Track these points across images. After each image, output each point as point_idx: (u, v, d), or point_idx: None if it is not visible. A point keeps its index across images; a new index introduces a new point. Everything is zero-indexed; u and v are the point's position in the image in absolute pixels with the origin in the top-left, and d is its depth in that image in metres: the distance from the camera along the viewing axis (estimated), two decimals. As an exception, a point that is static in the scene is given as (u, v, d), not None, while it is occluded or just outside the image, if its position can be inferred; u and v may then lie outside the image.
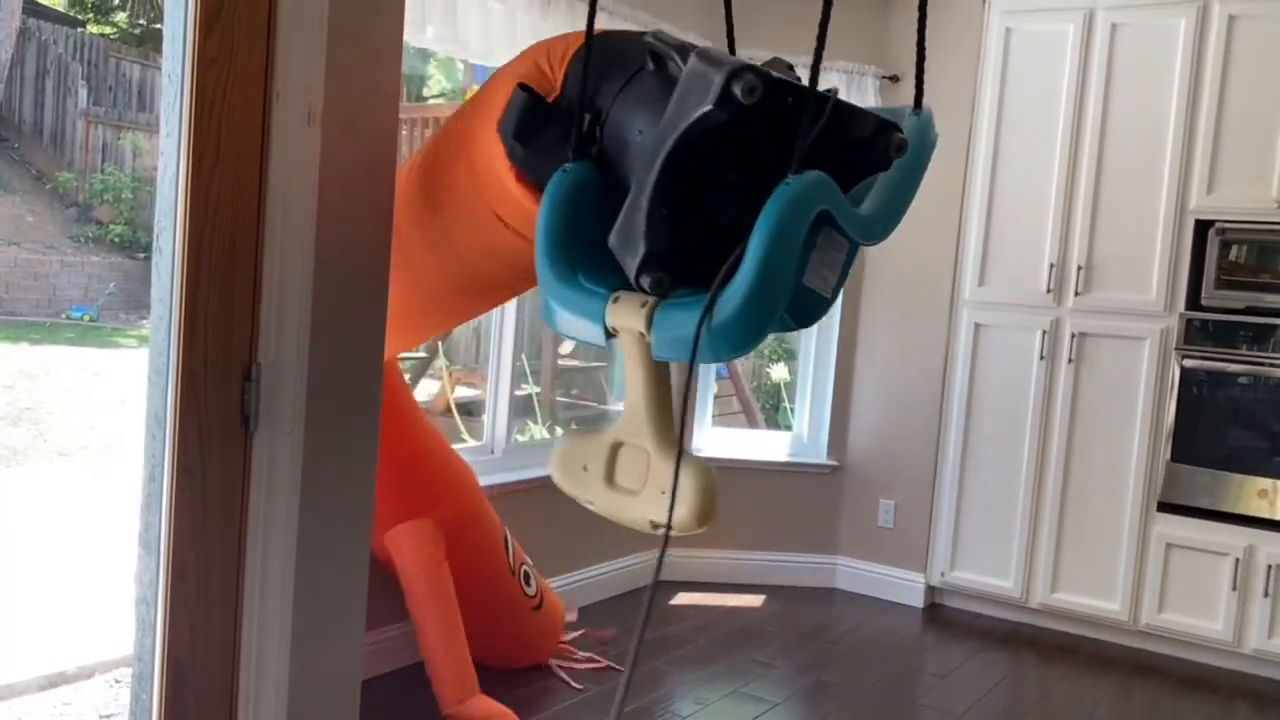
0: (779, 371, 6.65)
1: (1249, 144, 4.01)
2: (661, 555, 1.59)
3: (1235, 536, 4.02)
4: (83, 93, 10.53)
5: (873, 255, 4.78)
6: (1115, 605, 4.26)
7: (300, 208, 1.81)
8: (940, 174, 4.56)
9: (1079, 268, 4.30)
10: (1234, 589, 4.01)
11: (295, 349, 1.83)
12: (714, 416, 4.87)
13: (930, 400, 4.65)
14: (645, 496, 1.65)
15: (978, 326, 4.53)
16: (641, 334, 1.58)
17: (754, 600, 4.57)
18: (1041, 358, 4.38)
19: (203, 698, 1.82)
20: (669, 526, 1.59)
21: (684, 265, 1.58)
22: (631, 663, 1.69)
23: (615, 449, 1.69)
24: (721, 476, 4.84)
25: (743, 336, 1.52)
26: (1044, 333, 4.37)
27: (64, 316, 8.90)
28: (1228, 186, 4.05)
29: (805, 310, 1.60)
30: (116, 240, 9.87)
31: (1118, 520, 4.24)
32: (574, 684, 3.44)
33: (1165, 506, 4.16)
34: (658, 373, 1.63)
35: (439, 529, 3.16)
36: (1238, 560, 4.00)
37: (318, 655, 1.94)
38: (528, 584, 3.45)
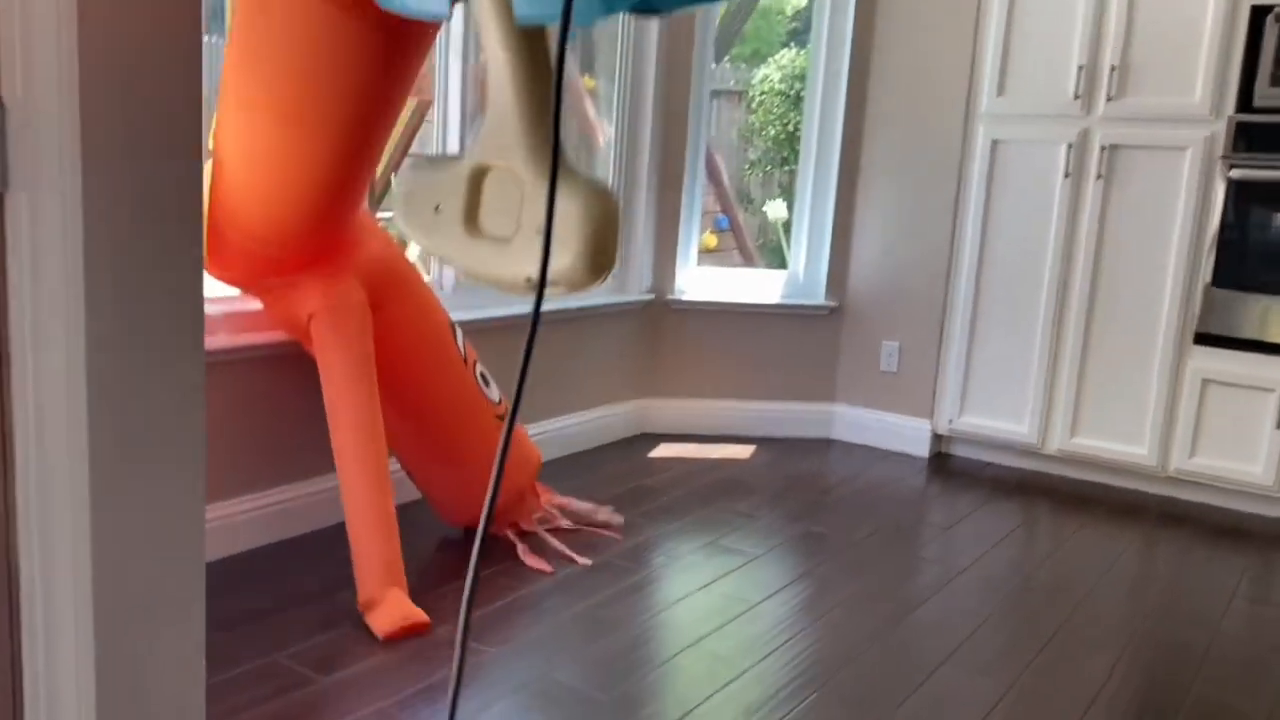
0: (776, 209, 6.12)
1: (1318, -89, 3.41)
2: (532, 334, 1.12)
3: (1281, 370, 3.57)
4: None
5: (877, 70, 4.22)
6: (1142, 450, 3.83)
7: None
8: (953, -39, 3.99)
9: (1112, 69, 3.74)
10: (1278, 428, 3.57)
11: (57, 75, 1.35)
12: (698, 257, 4.40)
13: (940, 230, 4.15)
14: (519, 243, 1.19)
15: (995, 143, 3.99)
16: None
17: (741, 451, 4.17)
18: (1066, 175, 3.86)
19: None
20: (543, 280, 1.13)
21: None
22: (462, 632, 1.25)
23: (478, 178, 1.22)
24: (710, 320, 4.35)
25: None
26: (1070, 146, 3.84)
27: None
28: (1290, -36, 3.46)
29: None
30: None
31: (1147, 355, 3.79)
32: (571, 554, 3.06)
33: (1203, 338, 3.69)
34: (529, 51, 1.15)
35: (357, 278, 2.64)
36: (1283, 396, 3.56)
37: (133, 514, 1.53)
38: (487, 386, 2.99)
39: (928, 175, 4.15)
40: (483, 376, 2.96)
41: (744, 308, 4.31)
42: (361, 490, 2.52)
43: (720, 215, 7.66)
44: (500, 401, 3.00)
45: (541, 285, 1.13)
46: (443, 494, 2.94)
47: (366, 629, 2.43)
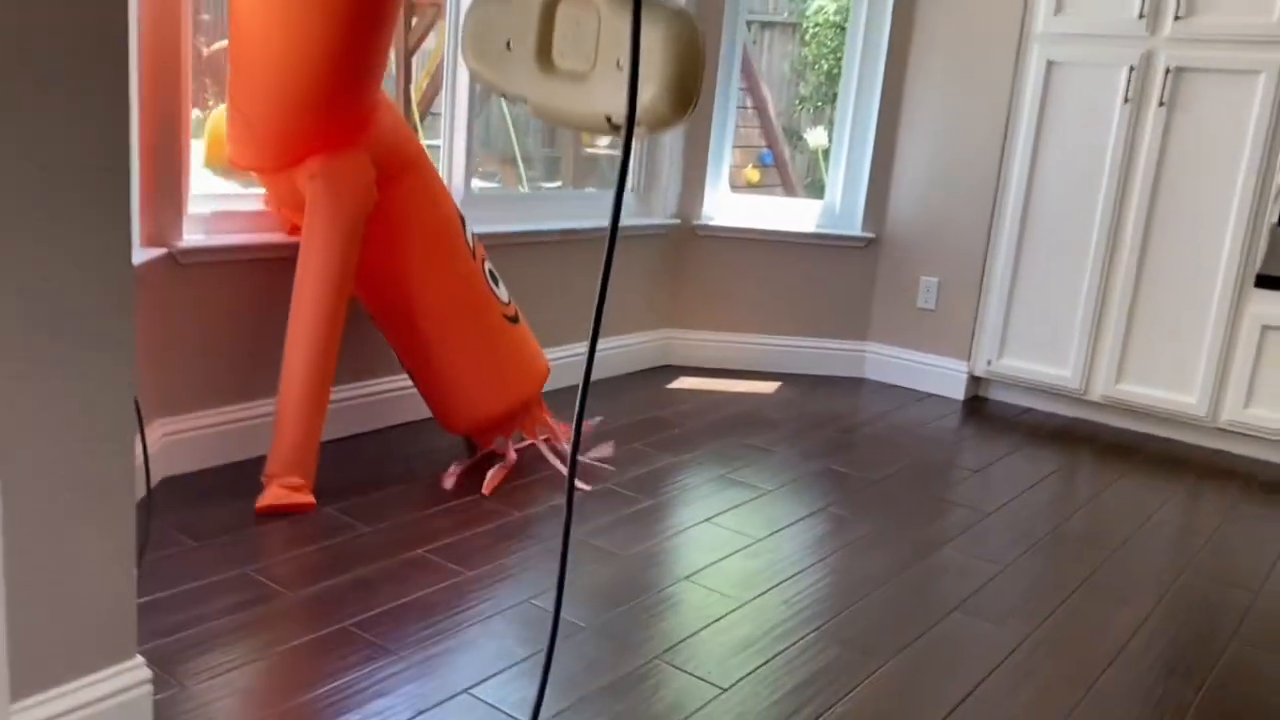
0: (817, 137, 5.84)
1: None
2: (621, 176, 1.00)
3: (1350, 317, 3.30)
4: None
5: (927, -17, 3.95)
6: (1192, 398, 3.59)
7: None
8: None
9: (1182, -15, 3.45)
10: (1342, 379, 3.32)
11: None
12: (732, 188, 4.19)
13: (987, 159, 3.90)
14: (597, 78, 1.08)
15: (1050, 65, 3.72)
16: None
17: (765, 387, 3.99)
18: (1126, 100, 3.58)
19: None
20: (631, 120, 1.01)
21: None
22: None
23: (550, 10, 1.12)
24: (738, 249, 4.16)
25: None
26: (1131, 69, 3.56)
27: None
28: None
29: None
30: None
31: (1204, 299, 3.53)
32: (576, 474, 2.93)
33: (1265, 281, 3.42)
34: None
35: (367, 155, 2.51)
36: (1350, 345, 3.30)
37: (49, 404, 1.40)
38: (496, 285, 2.82)
39: (977, 99, 3.90)
40: (491, 274, 2.81)
41: (775, 236, 4.11)
42: (300, 365, 2.46)
43: (765, 150, 7.41)
44: (509, 302, 2.85)
45: (630, 122, 1.00)
46: (444, 395, 2.78)
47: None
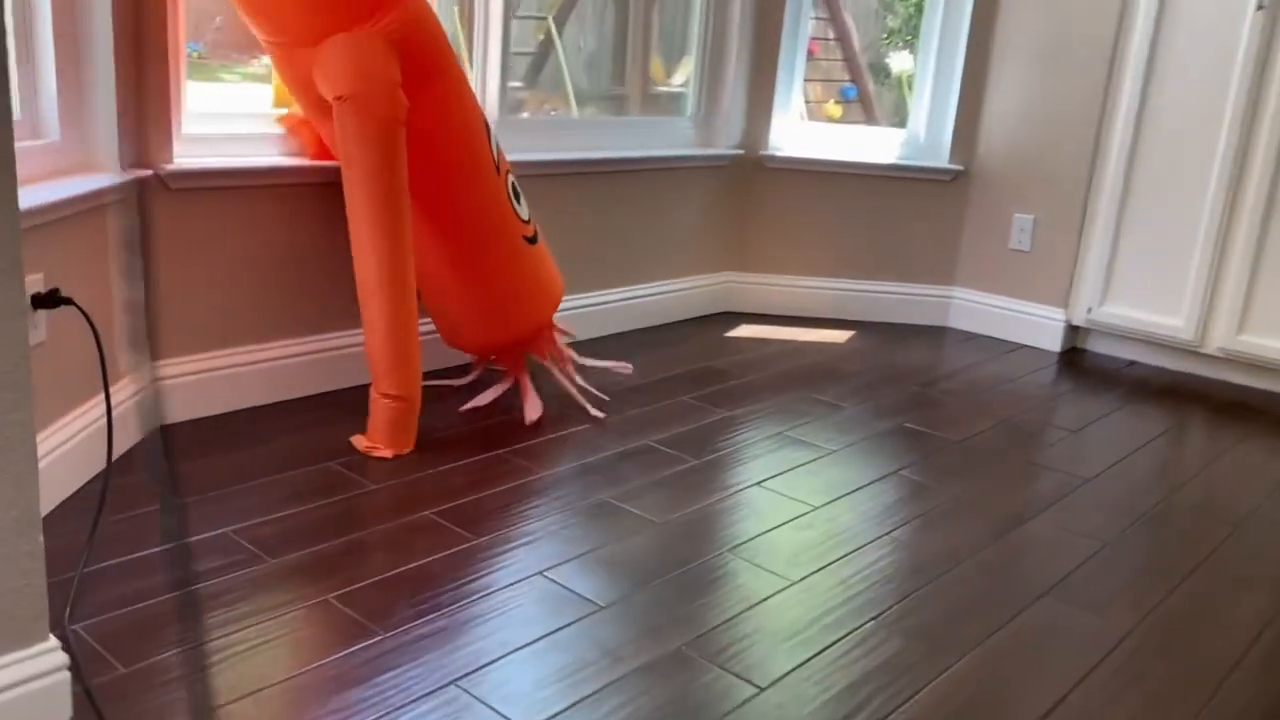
0: (901, 61, 5.37)
1: None
2: None
3: None
4: None
5: (1027, -121, 3.49)
6: (1329, 352, 3.14)
7: None
8: None
9: None
10: None
11: None
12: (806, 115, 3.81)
13: (1092, 79, 3.45)
14: None
15: (1169, -30, 3.26)
16: None
17: (837, 336, 3.64)
18: (1260, 7, 3.10)
19: None
20: None
21: None
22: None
23: None
24: (809, 183, 3.76)
25: None
26: (1267, -29, 3.08)
27: None
28: None
29: None
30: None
31: (1347, 237, 3.06)
32: (585, 403, 2.65)
33: None
34: None
35: (391, 50, 2.22)
36: None
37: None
38: (518, 202, 2.56)
39: (1080, 12, 3.44)
40: (514, 189, 2.53)
41: (851, 168, 3.72)
42: (379, 307, 2.25)
43: (847, 84, 6.93)
44: (529, 221, 2.57)
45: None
46: (455, 313, 2.55)
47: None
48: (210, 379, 2.44)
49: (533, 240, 2.57)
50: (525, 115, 3.36)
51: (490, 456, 2.36)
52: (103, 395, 2.11)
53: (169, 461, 2.20)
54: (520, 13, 5.03)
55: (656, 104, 5.11)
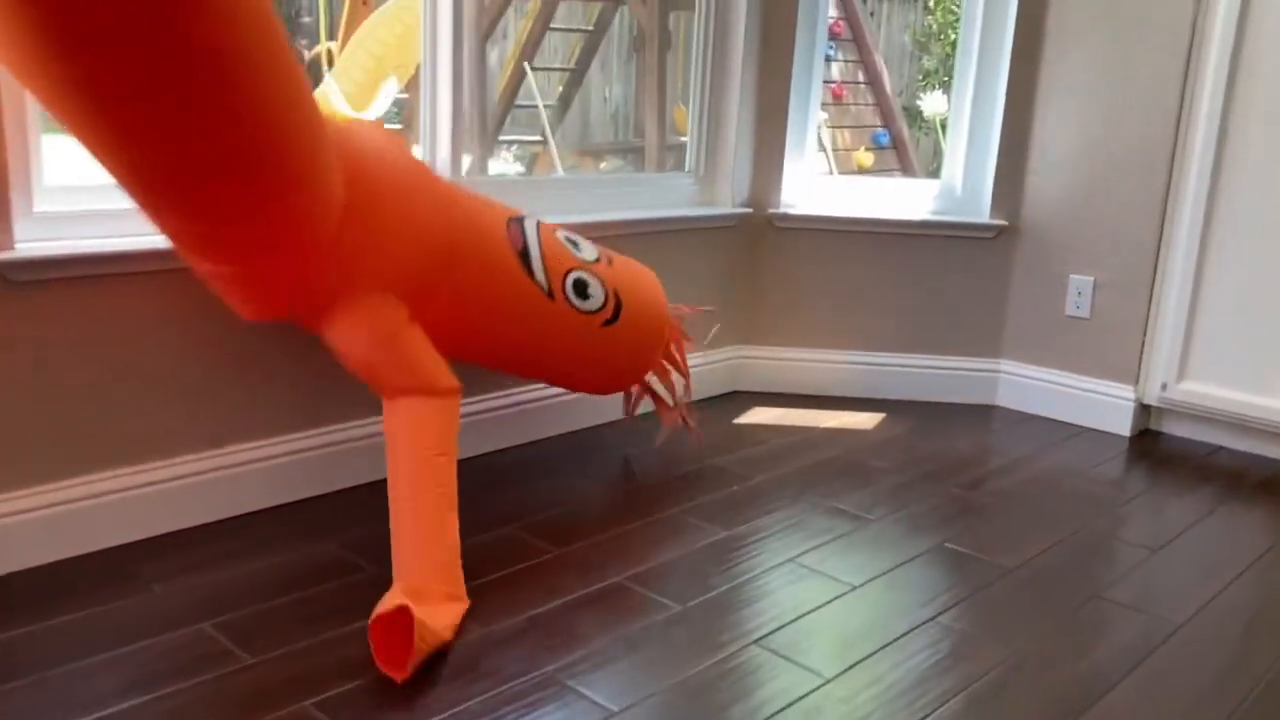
0: (934, 103, 4.84)
1: None
2: None
3: None
4: None
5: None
6: None
7: None
8: None
9: None
10: None
11: None
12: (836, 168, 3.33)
13: (1160, 115, 2.94)
14: None
15: (1248, -13, 2.75)
16: None
17: (865, 420, 3.12)
18: (1364, 26, 2.59)
19: None
20: None
21: None
22: None
23: None
24: (827, 243, 3.04)
25: None
26: (1371, -18, 2.56)
27: None
28: None
29: None
30: None
31: None
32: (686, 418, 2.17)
33: None
34: None
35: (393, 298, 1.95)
36: None
37: None
38: (582, 297, 2.27)
39: (1145, 34, 2.94)
40: (578, 285, 2.27)
41: (875, 226, 3.23)
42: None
43: (879, 130, 6.42)
44: (604, 305, 2.31)
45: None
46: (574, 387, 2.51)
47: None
48: (22, 522, 1.99)
49: (613, 319, 2.33)
50: (495, 172, 2.90)
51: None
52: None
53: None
54: (537, 64, 4.60)
55: (680, 153, 4.63)
